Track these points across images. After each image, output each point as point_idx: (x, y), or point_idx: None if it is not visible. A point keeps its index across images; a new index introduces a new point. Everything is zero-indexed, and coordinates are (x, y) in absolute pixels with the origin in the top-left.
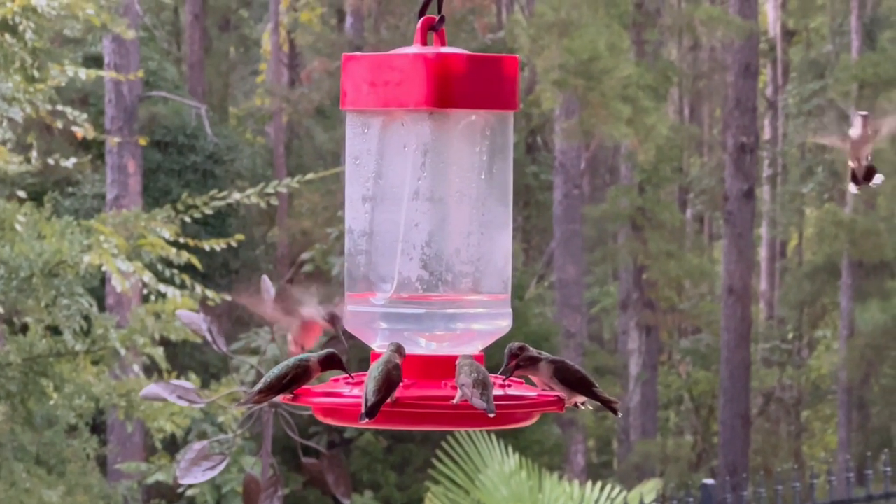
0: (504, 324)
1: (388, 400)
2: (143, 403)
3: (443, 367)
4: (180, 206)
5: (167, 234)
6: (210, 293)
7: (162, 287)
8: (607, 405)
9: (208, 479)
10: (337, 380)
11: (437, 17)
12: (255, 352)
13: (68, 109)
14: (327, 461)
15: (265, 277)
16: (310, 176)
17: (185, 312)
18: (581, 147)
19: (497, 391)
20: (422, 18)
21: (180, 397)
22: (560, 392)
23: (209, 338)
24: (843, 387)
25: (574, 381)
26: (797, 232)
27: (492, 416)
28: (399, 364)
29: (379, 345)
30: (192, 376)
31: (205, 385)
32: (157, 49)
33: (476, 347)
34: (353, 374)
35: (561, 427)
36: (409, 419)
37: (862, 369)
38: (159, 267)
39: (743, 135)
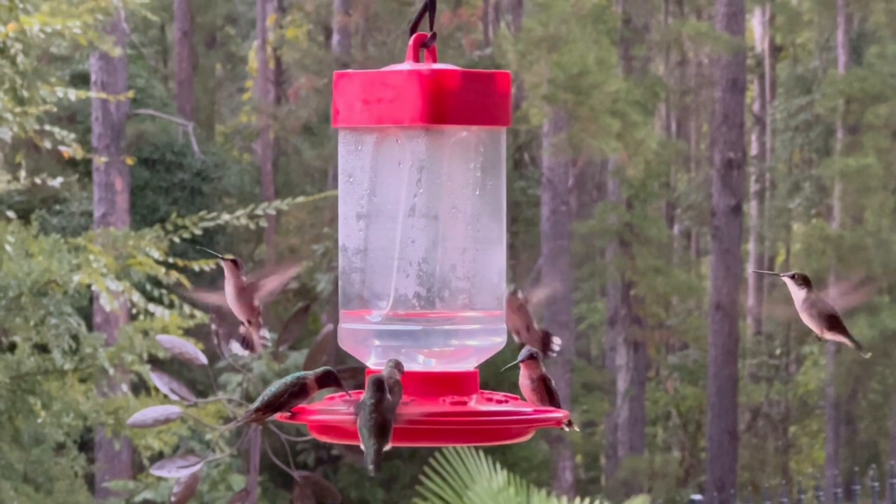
0: (498, 340)
1: None
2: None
3: (441, 383)
4: (169, 227)
5: (156, 254)
6: (198, 313)
7: (150, 306)
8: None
9: (182, 476)
10: (333, 397)
11: (429, 34)
12: (241, 369)
13: (56, 129)
14: (299, 489)
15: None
16: (300, 199)
17: (167, 337)
18: (568, 163)
19: (494, 407)
20: (413, 35)
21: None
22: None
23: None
24: (831, 402)
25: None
26: (784, 247)
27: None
28: (399, 381)
29: (374, 362)
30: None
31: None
32: (145, 67)
33: (471, 363)
34: (349, 392)
35: (549, 443)
36: (411, 435)
37: (849, 385)
38: (147, 286)
39: (730, 150)
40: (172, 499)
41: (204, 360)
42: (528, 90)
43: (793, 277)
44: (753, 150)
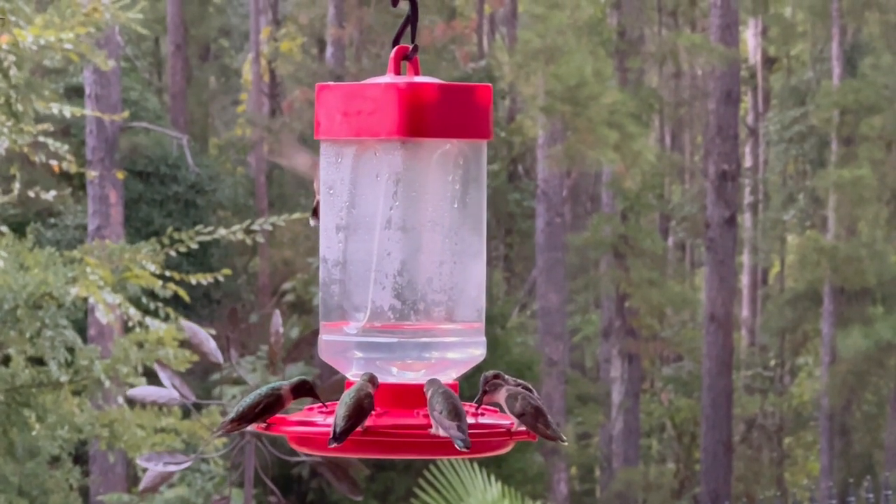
0: (478, 352)
1: (359, 428)
2: (126, 433)
3: (416, 395)
4: (165, 241)
5: (153, 268)
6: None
7: (147, 320)
8: (550, 440)
9: (168, 472)
10: (311, 408)
11: (411, 47)
12: (237, 381)
13: (50, 141)
14: None
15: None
16: (297, 215)
17: (189, 324)
18: (563, 175)
19: (470, 420)
20: (395, 48)
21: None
22: (511, 418)
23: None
24: (825, 413)
25: (519, 411)
26: (779, 259)
27: (466, 449)
28: (371, 393)
29: (353, 373)
30: (174, 407)
31: (186, 414)
32: (139, 79)
33: (450, 376)
34: (326, 403)
35: (544, 455)
36: (381, 447)
37: (844, 396)
38: (143, 300)
39: (724, 162)
40: (142, 485)
41: (220, 357)
42: (524, 102)
43: None
44: (747, 161)
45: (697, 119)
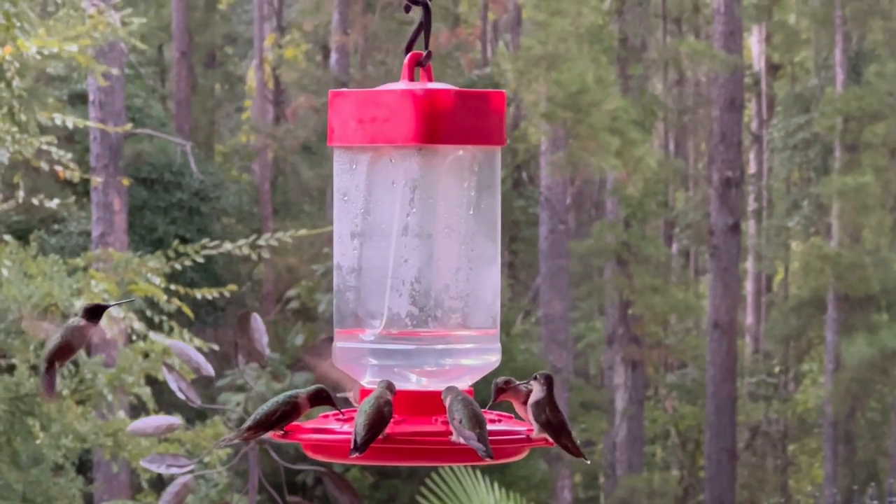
0: (493, 359)
1: (380, 436)
2: (130, 442)
3: (433, 402)
4: (171, 254)
5: (158, 280)
6: (199, 341)
7: (151, 334)
8: (574, 455)
9: (170, 474)
10: (326, 416)
11: (424, 53)
12: (241, 388)
13: (53, 149)
14: None
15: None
16: (302, 232)
17: (177, 342)
18: (567, 182)
19: (488, 426)
20: (409, 54)
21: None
22: (532, 425)
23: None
24: (830, 420)
25: (544, 422)
26: (783, 266)
27: (488, 458)
28: (390, 400)
29: (368, 381)
30: (178, 415)
31: (190, 424)
32: (143, 86)
33: (465, 382)
34: (342, 410)
35: (548, 462)
36: (401, 455)
37: (848, 403)
38: (148, 313)
39: (728, 169)
40: None
41: (211, 371)
42: (527, 108)
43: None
44: (751, 168)
45: (701, 126)
